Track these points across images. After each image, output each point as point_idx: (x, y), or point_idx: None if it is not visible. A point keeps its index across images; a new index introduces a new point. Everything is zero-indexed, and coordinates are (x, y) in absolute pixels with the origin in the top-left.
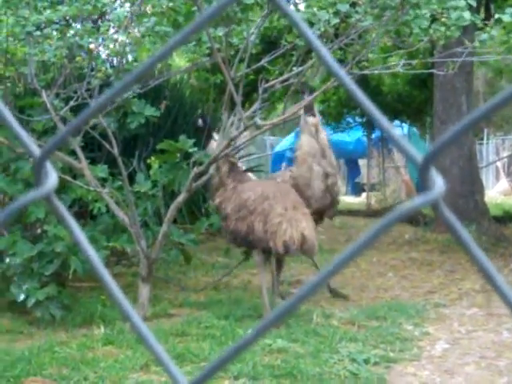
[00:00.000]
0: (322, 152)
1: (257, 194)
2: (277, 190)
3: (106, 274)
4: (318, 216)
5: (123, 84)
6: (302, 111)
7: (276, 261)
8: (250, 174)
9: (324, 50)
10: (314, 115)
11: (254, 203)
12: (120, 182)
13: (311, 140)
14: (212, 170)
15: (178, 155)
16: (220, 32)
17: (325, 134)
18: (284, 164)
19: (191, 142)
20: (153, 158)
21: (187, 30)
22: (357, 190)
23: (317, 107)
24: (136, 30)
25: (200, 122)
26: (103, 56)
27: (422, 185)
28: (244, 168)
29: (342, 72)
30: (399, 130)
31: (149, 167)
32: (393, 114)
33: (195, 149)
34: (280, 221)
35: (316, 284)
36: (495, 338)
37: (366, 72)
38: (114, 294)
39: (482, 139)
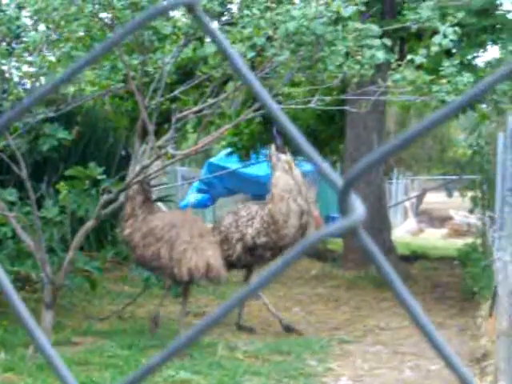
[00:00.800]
0: (297, 188)
1: (164, 222)
2: (184, 219)
3: (14, 296)
4: (274, 252)
5: (27, 102)
6: (273, 149)
7: (182, 290)
8: (160, 206)
9: (252, 77)
10: (284, 153)
11: (162, 231)
12: (28, 207)
13: (286, 177)
14: (122, 197)
15: (87, 182)
16: (135, 60)
17: (298, 171)
18: (193, 194)
19: (100, 169)
20: (62, 184)
21: (97, 50)
22: None
23: (229, 139)
24: (51, 54)
25: (123, 151)
26: (16, 79)
27: (342, 209)
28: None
29: (267, 96)
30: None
31: (58, 192)
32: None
33: (104, 176)
34: (185, 248)
35: (218, 315)
36: (398, 375)
37: (281, 106)
38: (20, 314)
39: (392, 178)
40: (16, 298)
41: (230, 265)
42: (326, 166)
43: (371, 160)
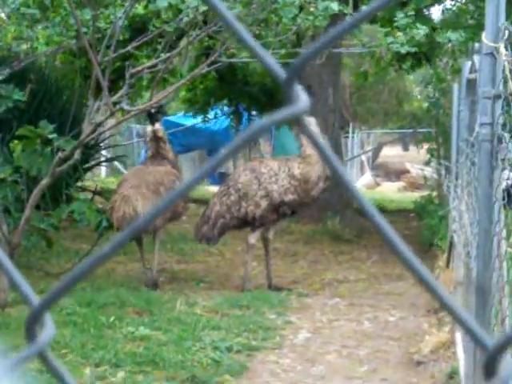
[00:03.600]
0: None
1: (125, 176)
2: (136, 173)
3: None
4: (295, 208)
5: None
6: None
7: (136, 244)
8: (117, 165)
9: (239, 26)
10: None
11: (118, 185)
12: None
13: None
14: (77, 155)
15: (38, 141)
16: (87, 15)
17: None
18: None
19: (51, 127)
20: (15, 142)
21: None
22: (221, 179)
23: (183, 96)
24: (0, 11)
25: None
26: None
27: (286, 99)
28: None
29: (258, 47)
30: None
31: (12, 152)
32: (259, 105)
33: (55, 135)
34: (116, 199)
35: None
36: (356, 327)
37: (233, 60)
38: None
39: (348, 132)
40: None
41: (246, 222)
42: (269, 58)
43: (313, 50)
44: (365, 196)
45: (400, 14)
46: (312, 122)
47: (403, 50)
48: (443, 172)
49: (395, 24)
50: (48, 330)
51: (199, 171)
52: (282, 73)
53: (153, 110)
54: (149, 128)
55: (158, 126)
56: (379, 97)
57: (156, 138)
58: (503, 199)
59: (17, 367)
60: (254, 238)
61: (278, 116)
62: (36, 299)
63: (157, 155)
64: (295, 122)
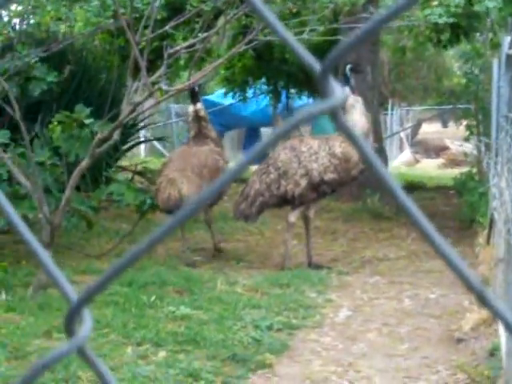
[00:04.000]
0: (367, 135)
1: (171, 156)
2: (187, 154)
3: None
4: (335, 187)
5: None
6: (348, 90)
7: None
8: (156, 145)
9: (273, 18)
10: (355, 94)
11: (163, 167)
12: (22, 149)
13: (364, 120)
14: (116, 136)
15: (75, 125)
16: None
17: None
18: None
19: (87, 110)
20: (54, 124)
21: None
22: (258, 158)
23: (221, 74)
24: None
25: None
26: (5, 19)
27: (321, 93)
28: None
29: (292, 39)
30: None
31: (51, 134)
32: (297, 83)
33: (91, 119)
34: (162, 180)
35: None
36: (397, 305)
37: (271, 38)
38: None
39: (387, 109)
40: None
41: (286, 200)
42: (302, 49)
43: (347, 44)
44: (397, 186)
45: None
46: (359, 100)
47: (441, 21)
48: (483, 149)
49: None
50: (87, 325)
51: (244, 158)
52: (316, 65)
53: (196, 89)
54: (190, 108)
55: (199, 105)
56: (418, 73)
57: (198, 118)
58: None
59: (57, 362)
60: (294, 216)
61: (314, 109)
62: (74, 295)
63: (200, 135)
64: (331, 116)
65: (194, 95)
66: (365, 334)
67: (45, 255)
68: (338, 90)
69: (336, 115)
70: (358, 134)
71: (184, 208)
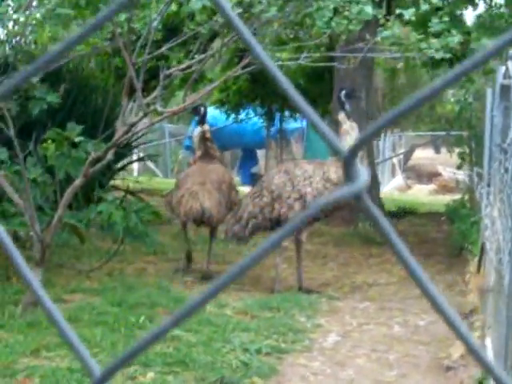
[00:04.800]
0: (361, 161)
1: (187, 172)
2: (203, 170)
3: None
4: (328, 212)
5: (31, 68)
6: (343, 116)
7: (209, 233)
8: (148, 164)
9: (249, 34)
10: (349, 119)
11: (181, 180)
12: (18, 166)
13: None
14: (110, 155)
15: (66, 143)
16: (122, 17)
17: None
18: (182, 151)
19: (79, 128)
20: (49, 142)
21: (99, 18)
22: (252, 180)
23: (216, 96)
24: (37, 12)
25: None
26: (1, 37)
27: (347, 176)
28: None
29: (267, 59)
30: (299, 123)
31: (45, 152)
32: (291, 107)
33: (82, 138)
34: (183, 194)
35: (230, 276)
36: (386, 331)
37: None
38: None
39: (380, 135)
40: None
41: (278, 224)
42: (330, 133)
43: (373, 129)
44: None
45: (434, 20)
46: (354, 127)
47: (437, 56)
48: (475, 177)
49: (429, 29)
50: (363, 175)
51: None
52: (343, 150)
53: (202, 110)
54: (198, 129)
55: (206, 126)
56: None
57: (205, 139)
58: None
59: None
60: (286, 240)
61: (340, 194)
62: (98, 369)
63: (206, 155)
64: (356, 199)
65: (200, 117)
66: (353, 359)
67: (68, 329)
68: (363, 174)
69: (361, 198)
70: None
71: (282, 228)
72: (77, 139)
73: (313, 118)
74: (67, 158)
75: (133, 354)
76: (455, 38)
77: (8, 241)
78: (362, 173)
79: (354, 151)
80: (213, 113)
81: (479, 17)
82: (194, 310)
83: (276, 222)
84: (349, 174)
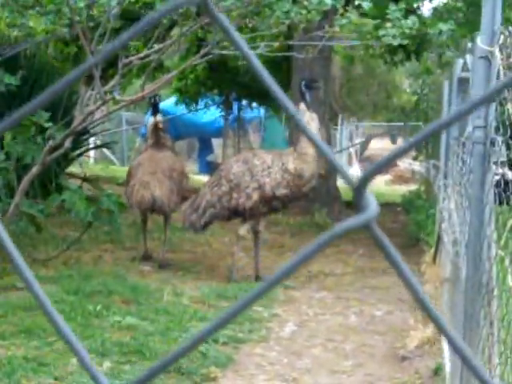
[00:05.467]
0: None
1: (138, 161)
2: (153, 159)
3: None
4: (286, 203)
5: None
6: (303, 107)
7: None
8: (105, 152)
9: (231, 28)
10: (309, 110)
11: (132, 169)
12: None
13: (318, 136)
14: (68, 143)
15: (33, 129)
16: (81, 3)
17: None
18: (138, 139)
19: (47, 115)
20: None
21: (143, 23)
22: (209, 168)
23: (174, 85)
24: None
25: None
26: None
27: (357, 206)
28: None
29: (251, 54)
30: (256, 112)
31: (2, 138)
32: (250, 95)
33: (50, 124)
34: (134, 183)
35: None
36: (342, 321)
37: (225, 52)
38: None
39: (337, 124)
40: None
41: (236, 213)
42: (339, 164)
43: (383, 161)
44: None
45: (392, 7)
46: (314, 118)
47: (395, 43)
48: (431, 169)
49: (387, 16)
50: (373, 205)
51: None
52: (353, 180)
53: (156, 100)
54: (151, 119)
55: (159, 117)
56: (368, 89)
57: (157, 128)
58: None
59: None
60: (243, 229)
61: (350, 224)
62: (105, 381)
63: (157, 143)
64: (366, 228)
65: (154, 106)
66: (310, 349)
67: (79, 346)
68: (373, 204)
69: (370, 226)
70: (313, 151)
71: (325, 234)
72: (46, 124)
73: (324, 148)
74: (34, 144)
75: (173, 359)
76: (409, 21)
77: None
78: (372, 202)
79: (364, 181)
80: (172, 101)
81: (435, 9)
82: (241, 311)
83: (234, 212)
84: (359, 202)
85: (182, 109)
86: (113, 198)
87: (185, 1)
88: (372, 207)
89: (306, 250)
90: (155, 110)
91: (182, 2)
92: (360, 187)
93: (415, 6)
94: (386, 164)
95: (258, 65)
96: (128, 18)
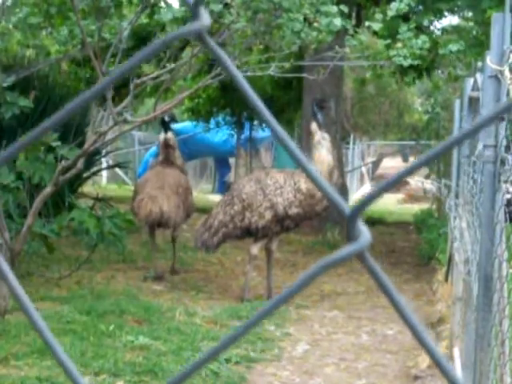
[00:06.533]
0: (332, 171)
1: (145, 177)
2: (160, 175)
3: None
4: (298, 222)
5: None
6: (315, 126)
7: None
8: (117, 171)
9: (221, 52)
10: (321, 129)
11: (139, 186)
12: None
13: (329, 157)
14: (80, 164)
15: (42, 149)
16: (92, 25)
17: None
18: (151, 159)
19: (55, 135)
20: None
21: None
22: (224, 188)
23: (186, 104)
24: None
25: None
26: None
27: (349, 235)
28: (111, 164)
29: (239, 76)
30: (267, 132)
31: (15, 159)
32: (257, 114)
33: (59, 143)
34: (143, 198)
35: (249, 324)
36: (355, 340)
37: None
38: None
39: (348, 143)
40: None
41: (249, 232)
42: (333, 192)
43: (377, 190)
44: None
45: (403, 27)
46: (326, 138)
47: (406, 63)
48: (443, 187)
49: (398, 37)
50: (365, 234)
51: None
52: (346, 209)
53: (166, 119)
54: (161, 135)
55: (170, 134)
56: (380, 108)
57: (167, 146)
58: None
59: None
60: (256, 248)
61: (343, 253)
62: None
63: (167, 161)
64: (358, 258)
65: (164, 124)
66: (322, 368)
67: (62, 354)
68: (366, 233)
69: (363, 256)
70: (324, 170)
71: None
72: (54, 144)
73: (320, 182)
74: (42, 164)
75: (182, 378)
76: (419, 41)
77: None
78: (364, 232)
79: (356, 212)
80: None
81: (444, 30)
82: (252, 327)
83: (246, 231)
84: (351, 232)
85: (194, 129)
86: (117, 219)
87: (180, 34)
88: (364, 236)
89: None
90: (166, 127)
91: (179, 34)
92: (353, 216)
93: (425, 24)
94: (380, 193)
95: (248, 89)
96: (139, 38)
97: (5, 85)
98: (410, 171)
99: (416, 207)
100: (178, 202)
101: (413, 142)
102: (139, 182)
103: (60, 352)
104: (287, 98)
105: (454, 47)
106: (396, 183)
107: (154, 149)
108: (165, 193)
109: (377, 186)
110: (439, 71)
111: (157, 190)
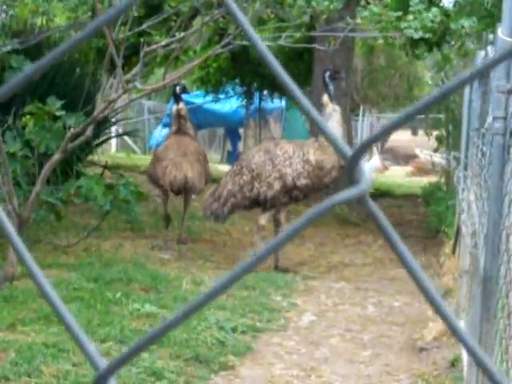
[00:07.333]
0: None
1: (166, 145)
2: (181, 143)
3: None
4: (307, 193)
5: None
6: (326, 98)
7: (184, 200)
8: (127, 139)
9: (244, 18)
10: (332, 101)
11: (161, 153)
12: None
13: (339, 129)
14: (89, 131)
15: (47, 117)
16: None
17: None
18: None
19: (59, 103)
20: (28, 117)
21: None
22: (233, 159)
23: (196, 74)
24: None
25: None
26: None
27: (350, 177)
28: (120, 132)
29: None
30: (278, 103)
31: (24, 126)
32: (271, 85)
33: (63, 112)
34: (167, 164)
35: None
36: (361, 311)
37: (247, 43)
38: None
39: (358, 116)
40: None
41: (257, 203)
42: (335, 136)
43: (377, 133)
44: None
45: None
46: (337, 110)
47: (416, 36)
48: (452, 160)
49: (410, 9)
50: (366, 178)
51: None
52: (347, 151)
53: (178, 90)
54: (174, 106)
55: (181, 105)
56: (390, 81)
57: (179, 116)
58: None
59: None
60: (264, 219)
61: (343, 197)
62: (102, 362)
63: (180, 131)
64: (359, 202)
65: (176, 95)
66: (328, 339)
67: (72, 321)
68: (366, 176)
69: (363, 199)
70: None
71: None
72: (58, 113)
73: (319, 121)
74: (48, 132)
75: (141, 346)
76: (430, 14)
77: (6, 221)
78: (365, 174)
79: (357, 153)
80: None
81: (457, 2)
82: (208, 301)
83: (255, 201)
84: (352, 175)
85: (202, 99)
86: (130, 188)
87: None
88: (365, 180)
89: (299, 222)
90: (178, 97)
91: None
92: (354, 159)
93: None
94: (381, 136)
95: (271, 59)
96: (150, 5)
97: (9, 48)
98: (407, 118)
99: (425, 180)
100: (201, 169)
101: (422, 116)
102: (159, 150)
103: (68, 317)
104: (297, 70)
105: (465, 22)
106: (396, 127)
107: (165, 119)
108: (188, 160)
109: (379, 129)
110: (450, 44)
111: (180, 157)
